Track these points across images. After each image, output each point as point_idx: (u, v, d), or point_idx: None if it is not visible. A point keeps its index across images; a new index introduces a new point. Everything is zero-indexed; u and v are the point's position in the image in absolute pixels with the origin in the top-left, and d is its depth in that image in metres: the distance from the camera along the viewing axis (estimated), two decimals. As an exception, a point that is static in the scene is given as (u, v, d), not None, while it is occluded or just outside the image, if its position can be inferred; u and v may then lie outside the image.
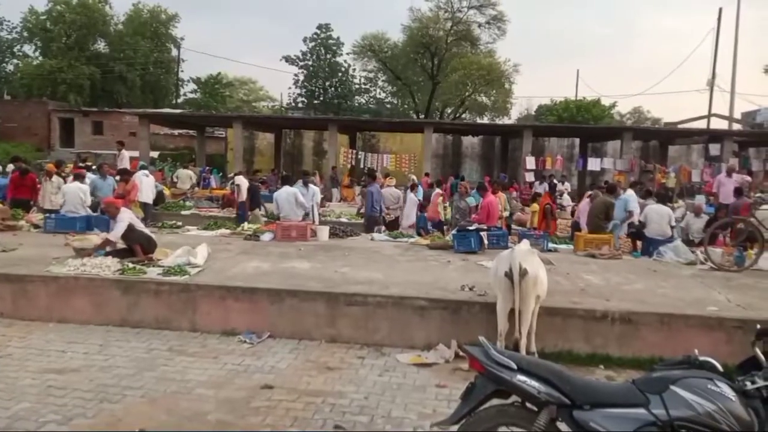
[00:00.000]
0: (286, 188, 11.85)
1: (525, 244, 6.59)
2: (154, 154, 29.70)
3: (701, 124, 35.68)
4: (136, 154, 24.27)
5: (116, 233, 7.97)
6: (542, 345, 6.24)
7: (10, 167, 14.54)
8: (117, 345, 6.33)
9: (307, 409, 4.82)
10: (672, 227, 11.41)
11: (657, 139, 30.00)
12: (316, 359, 6.04)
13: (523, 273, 5.74)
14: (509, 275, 5.79)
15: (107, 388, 5.15)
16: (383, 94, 50.73)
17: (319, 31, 47.32)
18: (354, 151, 26.31)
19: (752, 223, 9.24)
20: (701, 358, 3.20)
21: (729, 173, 16.09)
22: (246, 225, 12.17)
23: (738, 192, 13.06)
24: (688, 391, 2.99)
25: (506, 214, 13.57)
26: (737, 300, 6.97)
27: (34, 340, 6.39)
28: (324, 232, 11.01)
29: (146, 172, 14.01)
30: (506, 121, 44.82)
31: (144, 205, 13.17)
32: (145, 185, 13.21)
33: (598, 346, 6.28)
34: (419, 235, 12.36)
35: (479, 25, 43.02)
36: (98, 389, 5.13)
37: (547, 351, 6.24)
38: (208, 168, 24.13)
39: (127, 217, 8.20)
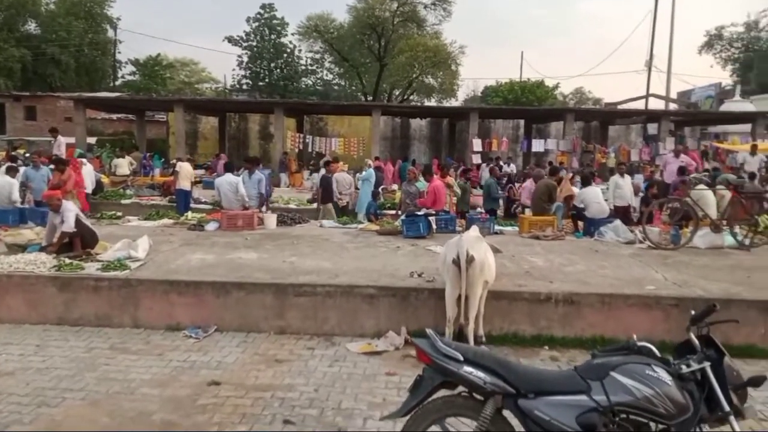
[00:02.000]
0: (228, 176, 11.47)
1: (474, 230, 6.66)
2: (92, 140, 28.58)
3: (640, 104, 36.84)
4: (72, 140, 23.23)
5: (69, 224, 7.65)
6: (489, 328, 6.35)
7: None
8: (55, 345, 6.07)
9: (255, 405, 4.76)
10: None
11: (598, 120, 30.81)
12: (264, 352, 5.96)
13: (470, 260, 5.79)
14: (457, 262, 5.84)
15: (45, 392, 4.95)
16: (330, 76, 50.16)
17: (262, 11, 46.22)
18: (302, 135, 26.00)
19: (687, 202, 9.59)
20: (639, 344, 3.29)
21: (677, 154, 16.61)
22: (189, 214, 11.85)
23: (681, 171, 13.52)
24: (627, 376, 3.08)
25: (455, 199, 13.65)
26: (673, 278, 7.25)
27: (-36, 344, 6.07)
28: (272, 220, 10.84)
29: (84, 160, 13.49)
30: (453, 102, 45.14)
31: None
32: (84, 174, 12.76)
33: (542, 328, 6.43)
34: (369, 220, 12.34)
35: (425, 6, 42.97)
36: (35, 393, 4.92)
37: (494, 334, 6.37)
38: (149, 154, 23.37)
39: (72, 207, 7.91)
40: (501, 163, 22.73)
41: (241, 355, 5.85)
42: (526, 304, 6.44)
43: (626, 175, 13.43)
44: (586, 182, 11.76)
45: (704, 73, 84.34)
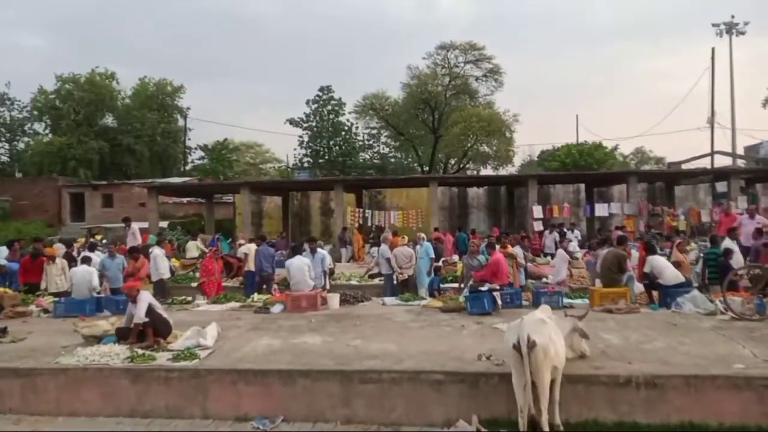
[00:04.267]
0: (300, 258, 11.84)
1: (542, 310, 6.43)
2: (164, 223, 29.88)
3: (705, 162, 35.68)
4: (145, 225, 24.45)
5: (139, 315, 7.92)
6: (566, 415, 5.99)
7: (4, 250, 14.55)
8: (127, 439, 6.14)
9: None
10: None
11: (662, 181, 29.92)
12: (331, 445, 5.82)
13: (532, 345, 5.53)
14: (518, 348, 5.61)
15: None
16: (387, 150, 51.32)
17: (321, 93, 48.30)
18: (361, 210, 26.35)
19: (770, 268, 9.03)
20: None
21: (751, 214, 15.39)
22: (256, 296, 12.05)
23: (759, 233, 12.77)
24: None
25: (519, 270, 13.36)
26: (763, 354, 6.73)
27: (42, 438, 6.22)
28: (334, 300, 10.92)
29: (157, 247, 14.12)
30: (510, 169, 45.06)
31: (159, 282, 13.30)
32: (160, 260, 13.46)
33: (624, 414, 6.03)
34: (432, 296, 12.21)
35: (476, 79, 43.88)
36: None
37: (572, 421, 6.00)
38: (217, 236, 24.14)
39: (147, 297, 8.19)
40: (564, 229, 22.26)
41: (308, 449, 5.73)
42: (605, 388, 6.08)
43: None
44: (651, 250, 11.27)
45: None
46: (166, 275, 13.98)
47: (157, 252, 13.85)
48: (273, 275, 14.34)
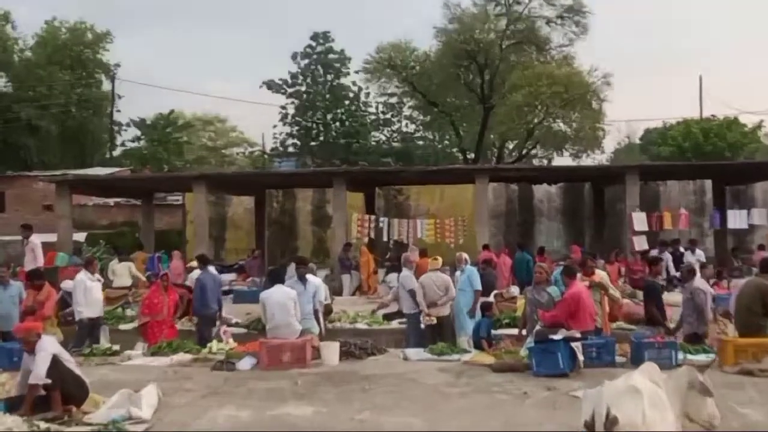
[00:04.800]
0: (281, 289, 11.93)
1: (641, 372, 6.35)
2: (80, 235, 30.15)
3: None
4: (52, 238, 24.63)
5: (37, 373, 7.89)
6: None
7: None
8: None
9: None
10: None
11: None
12: None
13: (612, 423, 5.50)
14: (590, 426, 5.59)
15: None
16: (412, 127, 51.44)
17: (314, 43, 48.51)
18: (373, 217, 26.39)
19: None
20: None
21: None
22: (215, 345, 12.13)
23: None
24: None
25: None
26: None
27: None
28: (333, 351, 11.03)
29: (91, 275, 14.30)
30: (598, 157, 44.94)
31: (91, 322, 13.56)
32: (88, 291, 13.72)
33: None
34: (478, 347, 12.21)
35: (548, 22, 43.66)
36: None
37: None
38: (158, 255, 24.33)
39: (49, 346, 8.22)
40: (680, 248, 22.15)
41: None
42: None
43: None
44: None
45: None
46: (96, 313, 14.01)
47: (83, 278, 13.95)
48: (220, 314, 14.54)
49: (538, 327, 11.16)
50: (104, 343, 13.60)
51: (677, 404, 6.19)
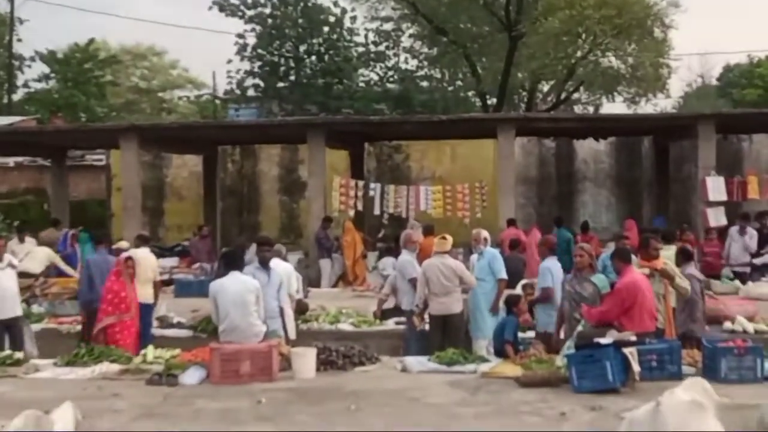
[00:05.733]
0: (238, 279, 11.94)
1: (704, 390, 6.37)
2: (-30, 207, 30.15)
3: None
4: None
5: None
6: None
7: None
8: None
9: None
10: None
11: None
12: None
13: None
14: None
15: None
16: (413, 62, 51.16)
17: (281, -51, 48.28)
18: (361, 183, 26.37)
19: None
20: None
21: None
22: (150, 353, 12.14)
23: None
24: None
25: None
26: None
27: None
28: (307, 361, 11.01)
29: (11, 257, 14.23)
30: (662, 103, 44.94)
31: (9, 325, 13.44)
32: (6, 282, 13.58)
33: None
34: (501, 354, 12.27)
35: None
36: None
37: None
38: (72, 232, 24.30)
39: None
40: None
41: None
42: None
43: None
44: None
45: None
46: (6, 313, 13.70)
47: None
48: None
49: (579, 328, 11.24)
50: (30, 349, 13.50)
51: None
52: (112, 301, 13.77)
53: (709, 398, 6.29)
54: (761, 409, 6.68)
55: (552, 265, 13.73)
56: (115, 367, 11.65)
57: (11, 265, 14.06)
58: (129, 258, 14.79)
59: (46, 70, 49.94)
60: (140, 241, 16.26)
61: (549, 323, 13.06)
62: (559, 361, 10.63)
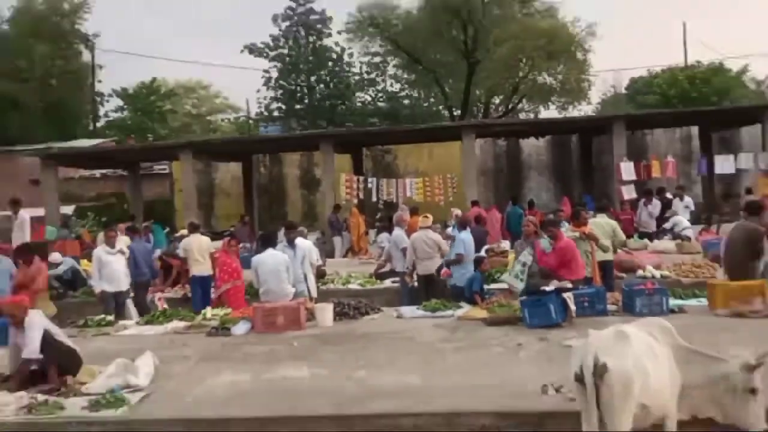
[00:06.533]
0: (272, 254, 12.09)
1: (647, 323, 6.24)
2: (68, 208, 30.03)
3: None
4: (41, 212, 24.57)
5: (31, 349, 7.95)
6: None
7: None
8: None
9: None
10: None
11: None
12: None
13: (601, 371, 5.45)
14: (580, 378, 5.63)
15: None
16: (397, 86, 51.21)
17: (294, 4, 48.11)
18: (361, 178, 26.37)
19: None
20: None
21: None
22: (209, 312, 12.17)
23: None
24: None
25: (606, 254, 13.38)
26: None
27: None
28: (326, 313, 11.07)
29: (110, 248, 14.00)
30: (585, 108, 44.92)
31: (116, 295, 13.35)
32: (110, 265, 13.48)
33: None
34: (471, 302, 12.29)
35: (530, -28, 43.57)
36: None
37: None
38: (146, 224, 24.25)
39: (39, 321, 8.25)
40: (669, 196, 22.23)
41: None
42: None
43: None
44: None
45: None
46: (116, 288, 13.60)
47: (99, 252, 13.75)
48: (153, 280, 14.85)
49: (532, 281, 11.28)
50: (131, 311, 13.57)
51: (709, 387, 5.96)
52: (226, 271, 13.72)
53: (664, 334, 6.08)
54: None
55: (465, 236, 13.66)
56: (183, 323, 11.71)
57: (121, 252, 14.09)
58: (233, 237, 15.27)
59: (120, 103, 50.02)
60: (192, 228, 16.19)
61: (462, 279, 13.08)
62: (516, 305, 10.63)
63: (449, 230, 14.81)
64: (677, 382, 5.88)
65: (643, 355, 5.73)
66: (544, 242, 12.20)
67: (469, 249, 13.49)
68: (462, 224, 14.37)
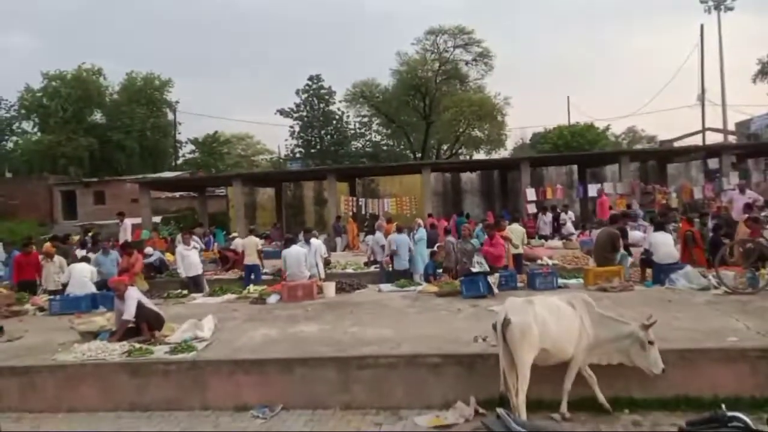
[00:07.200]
0: (296, 248, 12.08)
1: (573, 300, 6.08)
2: (157, 218, 29.78)
3: (696, 140, 35.78)
4: (138, 221, 24.42)
5: (128, 312, 7.89)
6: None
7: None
8: (128, 433, 6.16)
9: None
10: None
11: (654, 160, 30.00)
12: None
13: (506, 323, 5.55)
14: (494, 327, 5.71)
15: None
16: (379, 137, 51.15)
17: (310, 82, 48.03)
18: (355, 198, 26.33)
19: (762, 242, 9.10)
20: (729, 414, 3.06)
21: (742, 190, 15.78)
22: (252, 288, 12.08)
23: (748, 208, 12.91)
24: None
25: (517, 249, 13.45)
26: (757, 326, 6.80)
27: (43, 435, 6.24)
28: (330, 288, 10.97)
29: (195, 243, 13.80)
30: (502, 153, 45.08)
31: (193, 278, 12.95)
32: (188, 258, 13.11)
33: (620, 390, 6.09)
34: (427, 281, 12.26)
35: (466, 63, 43.76)
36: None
37: (570, 400, 6.04)
38: (210, 229, 24.13)
39: (135, 294, 8.16)
40: (558, 210, 22.32)
41: (308, 436, 5.78)
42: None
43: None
44: (658, 227, 11.38)
45: (762, 102, 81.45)
46: (193, 272, 13.12)
47: (180, 250, 13.38)
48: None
49: (466, 267, 11.26)
50: (204, 289, 12.97)
51: (613, 341, 5.87)
52: None
53: (582, 304, 5.99)
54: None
55: (397, 238, 13.54)
56: (233, 296, 11.56)
57: (195, 247, 13.87)
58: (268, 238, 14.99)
59: (193, 148, 49.84)
60: (248, 232, 16.06)
61: (401, 266, 13.22)
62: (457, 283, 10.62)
63: (413, 234, 14.68)
64: (588, 337, 5.83)
65: (546, 314, 5.75)
66: (475, 241, 12.27)
67: (401, 246, 13.41)
68: (398, 229, 14.21)
